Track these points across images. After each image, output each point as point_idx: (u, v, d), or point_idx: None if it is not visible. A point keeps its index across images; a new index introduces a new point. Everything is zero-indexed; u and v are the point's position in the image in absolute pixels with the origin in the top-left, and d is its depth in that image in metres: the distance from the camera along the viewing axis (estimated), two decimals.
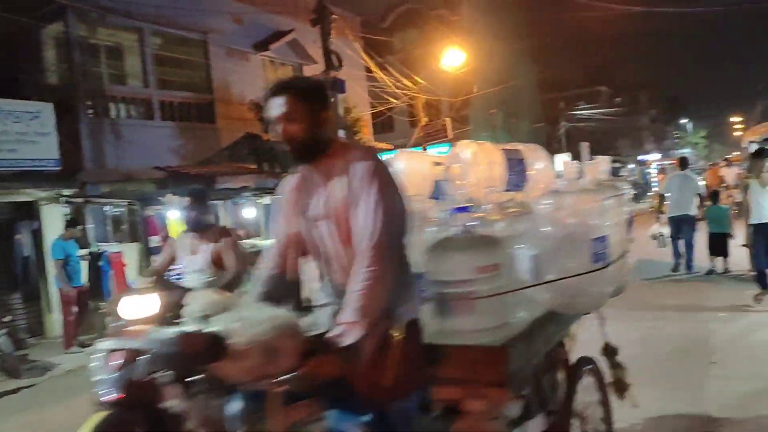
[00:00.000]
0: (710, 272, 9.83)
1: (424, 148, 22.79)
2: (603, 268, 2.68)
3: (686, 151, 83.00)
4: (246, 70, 15.81)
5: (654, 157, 70.57)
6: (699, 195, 10.20)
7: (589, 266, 2.63)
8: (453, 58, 21.60)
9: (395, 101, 21.13)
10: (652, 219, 12.77)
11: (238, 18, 15.28)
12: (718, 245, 9.74)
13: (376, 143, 20.94)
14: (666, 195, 10.32)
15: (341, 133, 13.03)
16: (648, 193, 29.99)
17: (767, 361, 5.22)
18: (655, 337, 6.30)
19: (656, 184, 24.39)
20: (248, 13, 15.43)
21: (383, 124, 30.05)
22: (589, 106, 47.63)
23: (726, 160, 23.61)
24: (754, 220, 6.92)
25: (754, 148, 10.11)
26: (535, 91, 39.32)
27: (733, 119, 71.31)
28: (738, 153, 19.11)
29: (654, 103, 77.73)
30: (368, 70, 19.82)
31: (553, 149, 39.92)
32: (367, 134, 16.42)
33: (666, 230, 10.34)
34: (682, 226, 10.00)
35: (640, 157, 64.45)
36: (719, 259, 9.81)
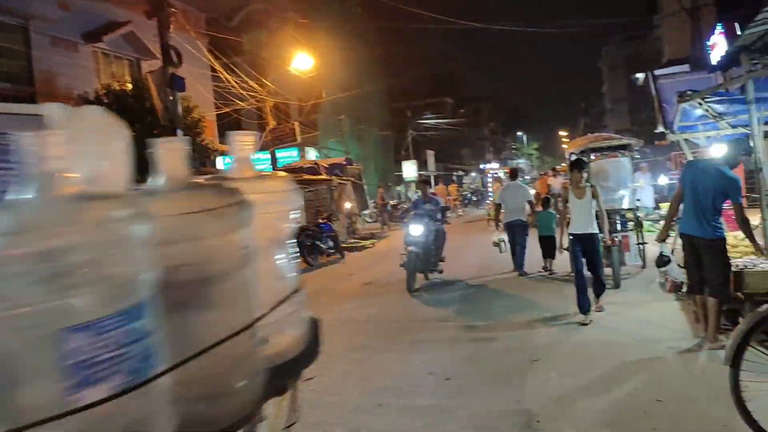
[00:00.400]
0: (541, 272, 10.69)
1: (272, 152, 22.47)
2: (117, 396, 1.04)
3: (522, 162, 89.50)
4: (75, 62, 14.54)
5: (494, 166, 75.41)
6: (529, 202, 11.10)
7: (56, 403, 0.98)
8: (302, 61, 21.47)
9: (242, 103, 20.59)
10: (490, 225, 13.82)
11: (65, 4, 14.02)
12: (547, 247, 10.58)
13: (221, 146, 20.25)
14: (501, 203, 11.15)
15: (180, 134, 12.35)
16: (487, 201, 31.65)
17: (583, 359, 5.59)
18: (483, 339, 6.54)
19: (491, 193, 25.92)
20: (77, 0, 14.21)
21: (230, 127, 29.24)
22: (435, 115, 49.62)
23: (554, 170, 25.60)
24: (571, 230, 7.34)
25: (576, 151, 11.01)
26: (383, 99, 40.25)
27: (561, 133, 78.29)
28: (564, 164, 20.83)
29: (494, 115, 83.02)
30: (214, 69, 19.13)
31: (401, 157, 41.10)
32: (210, 136, 15.78)
33: (506, 236, 11.13)
34: (515, 230, 10.87)
35: (482, 166, 68.52)
36: (548, 261, 10.59)
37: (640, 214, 10.71)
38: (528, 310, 7.85)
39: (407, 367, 5.76)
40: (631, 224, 9.58)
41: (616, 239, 8.79)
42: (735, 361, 3.19)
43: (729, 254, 6.00)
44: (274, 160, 22.49)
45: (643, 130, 32.13)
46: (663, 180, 18.64)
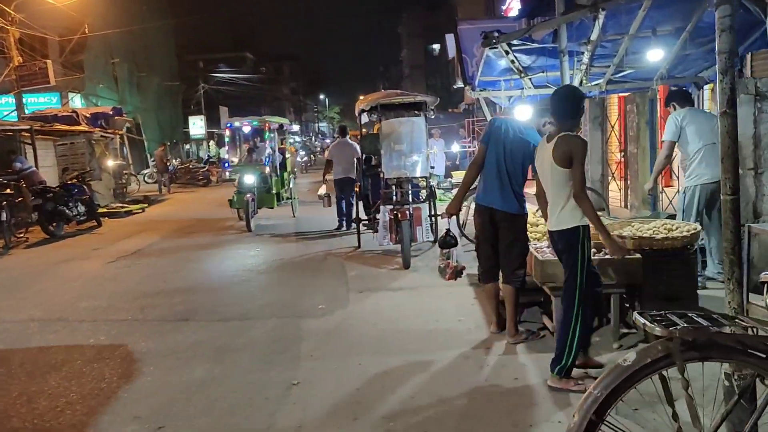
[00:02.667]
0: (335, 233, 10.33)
1: (18, 96, 18.48)
2: None
3: (323, 125, 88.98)
4: None
5: (294, 128, 74.10)
6: (358, 159, 10.50)
7: None
8: None
9: None
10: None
11: None
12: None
13: None
14: (332, 160, 10.83)
15: None
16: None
17: (356, 379, 4.19)
18: (228, 350, 4.87)
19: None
20: None
21: None
22: (231, 69, 46.48)
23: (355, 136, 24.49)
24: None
25: (365, 118, 9.68)
26: (171, 46, 36.18)
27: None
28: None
29: (296, 75, 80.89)
30: None
31: (191, 112, 37.69)
32: None
33: (330, 191, 10.99)
34: (344, 187, 10.64)
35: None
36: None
37: (433, 182, 9.76)
38: (300, 301, 6.33)
39: (104, 404, 3.90)
40: (423, 194, 8.50)
41: (407, 212, 7.62)
42: None
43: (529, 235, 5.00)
44: (20, 104, 18.52)
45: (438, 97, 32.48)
46: (456, 147, 18.37)
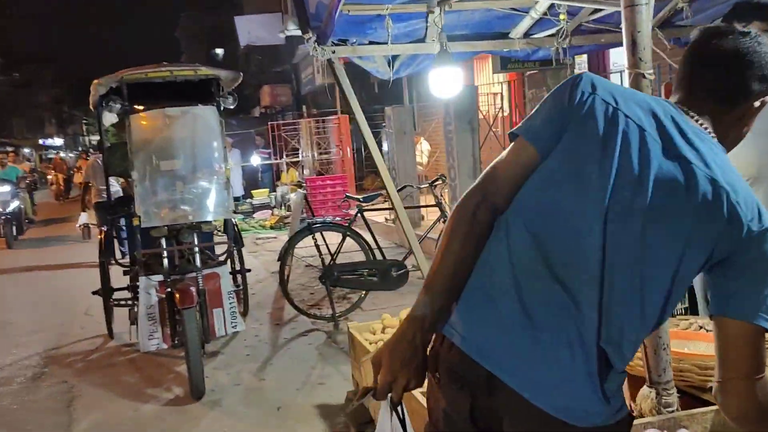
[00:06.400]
0: None
1: None
2: None
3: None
4: None
5: (57, 142, 64.94)
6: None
7: None
8: None
9: None
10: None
11: None
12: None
13: None
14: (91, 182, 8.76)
15: None
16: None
17: None
18: None
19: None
20: None
21: None
22: None
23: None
24: None
25: (112, 118, 5.68)
26: None
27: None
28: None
29: (61, 81, 70.92)
30: None
31: None
32: None
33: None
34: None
35: (42, 141, 58.07)
36: None
37: (234, 218, 6.12)
38: None
39: None
40: (222, 248, 4.83)
41: (191, 290, 3.92)
42: None
43: None
44: None
45: (240, 73, 28.37)
46: (255, 160, 14.70)
